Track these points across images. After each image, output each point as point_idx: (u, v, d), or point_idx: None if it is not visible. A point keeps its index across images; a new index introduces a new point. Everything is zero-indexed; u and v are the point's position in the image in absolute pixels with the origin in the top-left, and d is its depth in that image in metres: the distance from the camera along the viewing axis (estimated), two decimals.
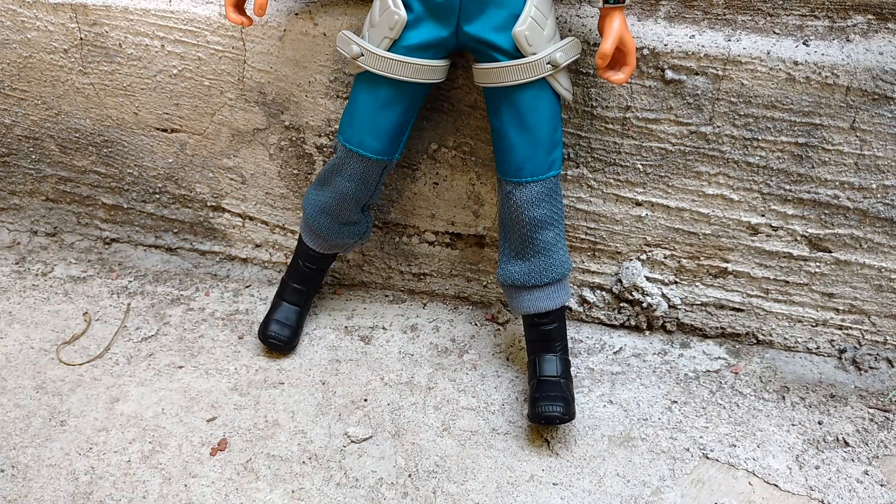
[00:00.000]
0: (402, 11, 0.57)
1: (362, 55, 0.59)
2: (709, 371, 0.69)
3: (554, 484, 0.60)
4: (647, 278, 0.71)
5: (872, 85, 0.59)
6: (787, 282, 0.69)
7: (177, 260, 0.84)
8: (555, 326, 0.65)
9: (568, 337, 0.74)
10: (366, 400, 0.67)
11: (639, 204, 0.68)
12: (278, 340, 0.70)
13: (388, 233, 0.76)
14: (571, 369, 0.68)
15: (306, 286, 0.72)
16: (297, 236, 0.79)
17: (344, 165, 0.63)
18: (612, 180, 0.68)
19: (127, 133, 0.78)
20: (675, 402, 0.66)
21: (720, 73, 0.61)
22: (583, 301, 0.74)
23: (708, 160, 0.65)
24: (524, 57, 0.57)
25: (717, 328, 0.72)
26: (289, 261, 0.81)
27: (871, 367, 0.69)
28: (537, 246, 0.62)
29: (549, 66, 0.57)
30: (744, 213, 0.66)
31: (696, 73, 0.61)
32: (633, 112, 0.64)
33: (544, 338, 0.65)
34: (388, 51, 0.58)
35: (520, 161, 0.60)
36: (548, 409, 0.60)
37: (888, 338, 0.69)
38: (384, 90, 0.60)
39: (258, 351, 0.72)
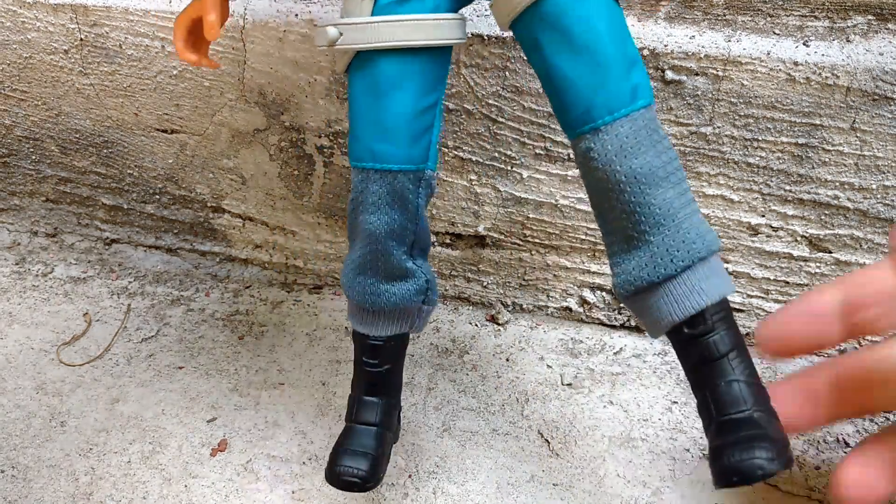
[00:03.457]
0: None
1: (341, 35, 0.43)
2: None
3: (554, 485, 0.60)
4: None
5: (872, 85, 0.59)
6: (788, 282, 0.69)
7: (177, 260, 0.84)
8: (721, 334, 0.37)
9: (572, 339, 0.74)
10: None
11: None
12: (354, 477, 0.49)
13: None
14: (572, 369, 0.68)
15: (380, 395, 0.52)
16: (297, 237, 0.79)
17: (362, 195, 0.45)
18: None
19: (127, 134, 0.78)
20: (676, 402, 0.66)
21: (720, 73, 0.61)
22: (583, 301, 0.74)
23: (708, 161, 0.65)
24: None
25: None
26: (289, 262, 0.81)
27: None
28: (654, 214, 0.37)
29: None
30: (744, 214, 0.66)
31: (697, 74, 0.61)
32: None
33: (709, 356, 0.36)
34: (371, 15, 0.42)
35: (586, 96, 0.38)
36: (746, 459, 0.34)
37: None
38: (381, 70, 0.43)
39: (258, 351, 0.72)
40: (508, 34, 0.62)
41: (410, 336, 0.53)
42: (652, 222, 0.37)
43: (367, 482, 0.50)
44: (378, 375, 0.51)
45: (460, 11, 0.45)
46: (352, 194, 0.47)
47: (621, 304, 0.73)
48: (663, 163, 0.38)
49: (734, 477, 0.34)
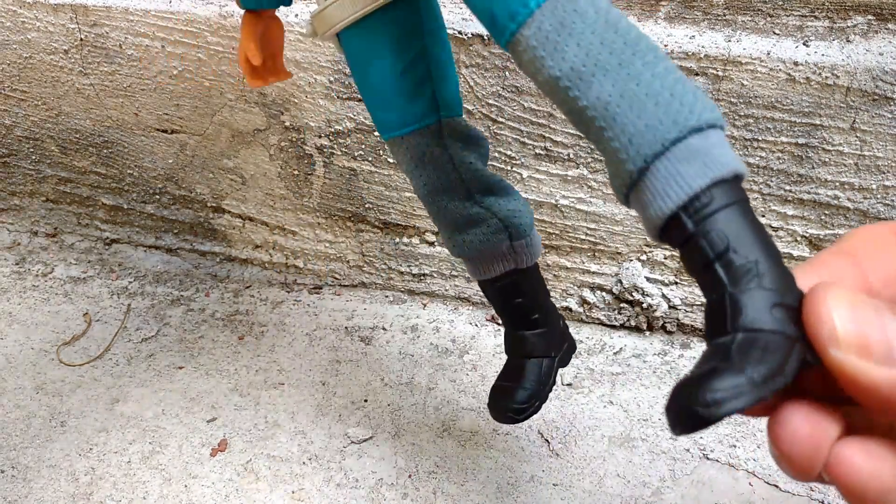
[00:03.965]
0: None
1: (311, 24, 0.43)
2: None
3: (554, 485, 0.60)
4: (648, 279, 0.71)
5: (872, 85, 0.59)
6: None
7: (177, 261, 0.84)
8: (713, 232, 0.26)
9: None
10: (366, 401, 0.67)
11: None
12: (511, 411, 0.51)
13: (388, 234, 0.76)
14: (572, 370, 0.68)
15: (525, 327, 0.52)
16: (296, 237, 0.79)
17: (399, 163, 0.47)
18: None
19: (127, 134, 0.78)
20: None
21: (720, 73, 0.61)
22: (583, 302, 0.74)
23: None
24: None
25: None
26: (288, 262, 0.81)
27: None
28: (590, 119, 0.30)
29: None
30: None
31: (697, 74, 0.61)
32: None
33: (696, 264, 0.26)
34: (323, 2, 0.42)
35: (485, 11, 0.33)
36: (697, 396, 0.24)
37: None
38: (352, 46, 0.43)
39: (258, 352, 0.72)
40: None
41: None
42: (594, 127, 0.30)
43: (520, 413, 0.51)
44: (510, 311, 0.52)
45: None
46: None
47: (621, 304, 0.73)
48: (593, 50, 0.31)
49: (682, 420, 0.23)
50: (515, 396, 0.51)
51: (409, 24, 0.42)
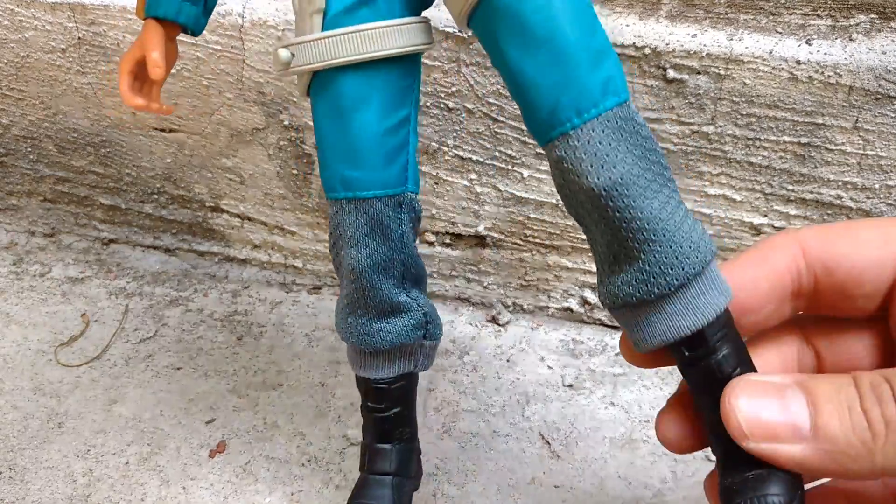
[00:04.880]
0: None
1: (293, 56, 0.39)
2: None
3: (555, 486, 0.59)
4: None
5: (875, 84, 0.59)
6: None
7: (175, 261, 0.83)
8: (724, 352, 0.31)
9: (573, 339, 0.74)
10: None
11: None
12: None
13: None
14: (573, 370, 0.68)
15: (393, 441, 0.49)
16: (295, 237, 0.79)
17: (339, 228, 0.42)
18: None
19: (125, 133, 0.77)
20: None
21: (722, 72, 0.60)
22: (584, 302, 0.74)
23: (710, 160, 0.65)
24: None
25: None
26: (287, 262, 0.81)
27: None
28: (641, 230, 0.31)
29: None
30: (746, 214, 0.66)
31: (699, 73, 0.61)
32: None
33: (713, 378, 0.31)
34: (321, 30, 0.38)
35: (550, 96, 0.32)
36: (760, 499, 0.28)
37: None
38: (341, 88, 0.39)
39: (257, 352, 0.72)
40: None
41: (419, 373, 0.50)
42: (641, 238, 0.32)
43: None
44: (387, 420, 0.48)
45: (423, 14, 0.41)
46: (329, 228, 0.44)
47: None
48: (647, 166, 0.32)
49: None
50: None
51: (404, 85, 0.41)
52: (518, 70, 0.33)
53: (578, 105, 0.32)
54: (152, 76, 0.43)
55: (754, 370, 0.32)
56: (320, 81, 0.40)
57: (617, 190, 0.31)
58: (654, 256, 0.31)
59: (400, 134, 0.41)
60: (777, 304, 0.34)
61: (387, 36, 0.38)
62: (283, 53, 0.39)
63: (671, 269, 0.31)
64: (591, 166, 0.32)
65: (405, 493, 0.49)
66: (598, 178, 0.31)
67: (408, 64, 0.40)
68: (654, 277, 0.32)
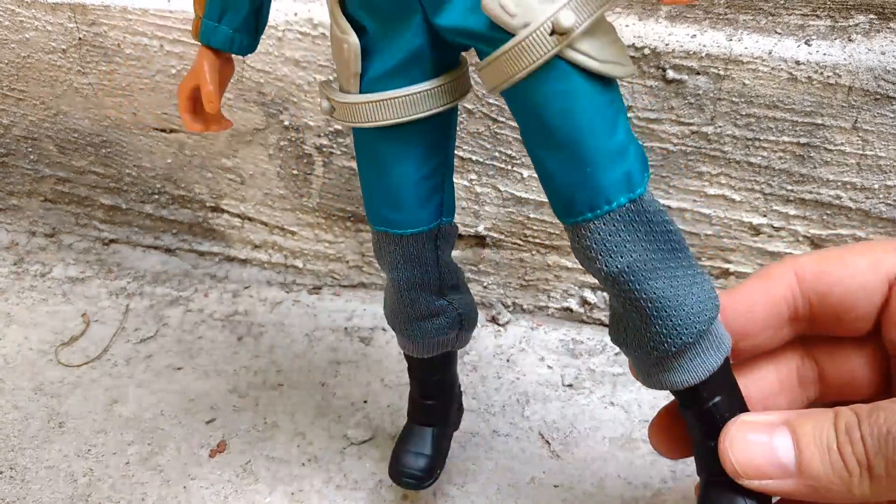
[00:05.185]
0: (351, 35, 0.38)
1: (334, 109, 0.41)
2: None
3: (555, 486, 0.59)
4: None
5: (874, 85, 0.59)
6: None
7: (175, 261, 0.83)
8: (717, 401, 0.36)
9: (573, 339, 0.74)
10: (365, 402, 0.67)
11: None
12: (412, 477, 0.53)
13: None
14: (573, 370, 0.68)
15: (436, 398, 0.54)
16: (296, 237, 0.79)
17: (381, 249, 0.45)
18: None
19: (125, 133, 0.77)
20: None
21: (722, 72, 0.61)
22: (584, 302, 0.74)
23: (710, 160, 0.65)
24: (512, 35, 0.33)
25: None
26: (288, 262, 0.81)
27: None
28: (646, 307, 0.35)
29: (552, 36, 0.32)
30: (745, 214, 0.66)
31: (698, 73, 0.61)
32: (634, 112, 0.64)
33: (706, 422, 0.36)
34: (359, 92, 0.39)
35: (567, 193, 0.35)
36: None
37: None
38: (378, 147, 0.41)
39: (257, 352, 0.72)
40: None
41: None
42: (645, 313, 0.35)
43: (424, 481, 0.53)
44: (429, 383, 0.54)
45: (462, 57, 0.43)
46: (372, 243, 0.47)
47: None
48: (656, 251, 0.35)
49: None
50: (418, 464, 0.53)
51: (439, 135, 0.42)
52: (538, 162, 0.36)
53: (592, 203, 0.35)
54: (207, 110, 0.44)
55: (745, 409, 0.37)
56: (360, 133, 0.42)
57: (623, 276, 0.35)
58: (656, 328, 0.35)
59: (435, 178, 0.43)
60: (775, 330, 0.37)
61: (419, 101, 0.39)
62: (325, 104, 0.41)
63: (670, 339, 0.35)
64: (601, 255, 0.35)
65: (445, 439, 0.56)
66: (607, 266, 0.35)
67: (443, 116, 0.41)
68: (654, 343, 0.36)
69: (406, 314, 0.48)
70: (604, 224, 0.35)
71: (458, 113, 0.67)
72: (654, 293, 0.35)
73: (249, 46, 0.45)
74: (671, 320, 0.35)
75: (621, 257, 0.35)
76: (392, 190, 0.42)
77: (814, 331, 0.37)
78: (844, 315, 0.35)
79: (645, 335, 0.36)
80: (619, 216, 0.35)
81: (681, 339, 0.35)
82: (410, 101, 0.39)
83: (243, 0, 0.41)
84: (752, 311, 0.37)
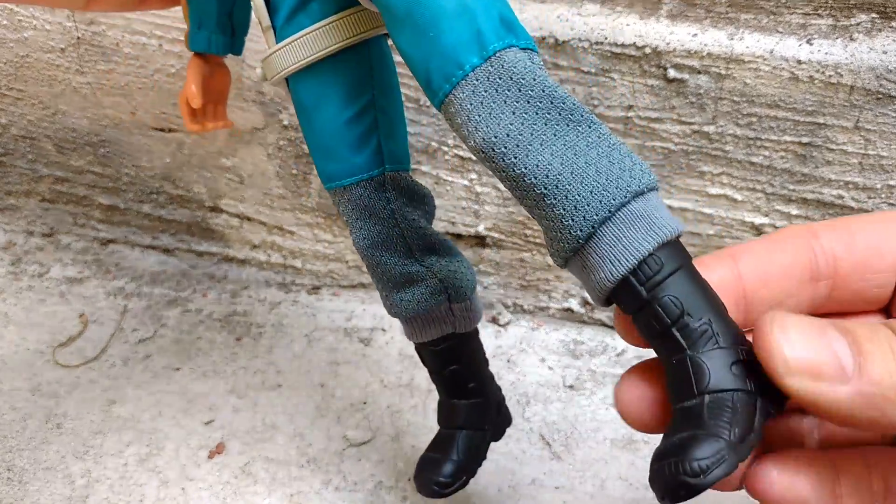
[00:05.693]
0: None
1: (265, 75, 0.43)
2: None
3: (556, 487, 0.59)
4: None
5: (876, 84, 0.59)
6: None
7: (174, 261, 0.83)
8: (664, 299, 0.27)
9: (574, 340, 0.73)
10: (365, 402, 0.66)
11: None
12: (435, 484, 0.49)
13: None
14: (574, 371, 0.68)
15: (459, 397, 0.50)
16: (295, 237, 0.79)
17: (340, 214, 0.45)
18: None
19: (124, 133, 0.77)
20: None
21: (723, 71, 0.60)
22: (585, 302, 0.74)
23: (711, 160, 0.64)
24: None
25: None
26: (287, 263, 0.80)
27: None
28: (531, 187, 0.30)
29: None
30: (747, 213, 0.66)
31: (699, 72, 0.61)
32: (635, 111, 0.64)
33: (653, 330, 0.27)
34: (275, 45, 0.41)
35: (422, 68, 0.32)
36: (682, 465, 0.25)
37: None
38: (298, 93, 0.42)
39: (256, 353, 0.72)
40: None
41: (477, 330, 0.50)
42: (536, 194, 0.30)
43: (446, 487, 0.49)
44: (447, 378, 0.50)
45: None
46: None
47: None
48: (535, 117, 0.30)
49: (671, 492, 0.26)
50: (442, 469, 0.49)
51: (359, 74, 0.41)
52: (398, 48, 0.33)
53: (445, 71, 0.31)
54: (192, 105, 0.49)
55: (723, 308, 0.28)
56: (289, 88, 0.42)
57: (494, 149, 0.30)
58: (553, 211, 0.30)
59: (364, 120, 0.41)
60: (796, 284, 0.31)
61: (322, 37, 0.39)
62: (258, 70, 0.43)
63: (572, 221, 0.29)
64: (468, 129, 0.31)
65: (474, 445, 0.50)
66: (475, 140, 0.31)
67: (357, 53, 0.41)
68: (560, 233, 0.30)
69: (380, 281, 0.45)
70: (463, 92, 0.31)
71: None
72: (539, 166, 0.30)
73: (227, 45, 0.49)
74: (570, 196, 0.29)
75: (487, 127, 0.30)
76: (321, 138, 0.41)
77: (830, 306, 0.32)
78: (874, 266, 0.31)
79: (551, 227, 0.30)
80: (477, 80, 0.31)
81: (585, 217, 0.29)
82: (312, 38, 0.39)
83: (212, 7, 0.47)
84: (770, 259, 0.31)
